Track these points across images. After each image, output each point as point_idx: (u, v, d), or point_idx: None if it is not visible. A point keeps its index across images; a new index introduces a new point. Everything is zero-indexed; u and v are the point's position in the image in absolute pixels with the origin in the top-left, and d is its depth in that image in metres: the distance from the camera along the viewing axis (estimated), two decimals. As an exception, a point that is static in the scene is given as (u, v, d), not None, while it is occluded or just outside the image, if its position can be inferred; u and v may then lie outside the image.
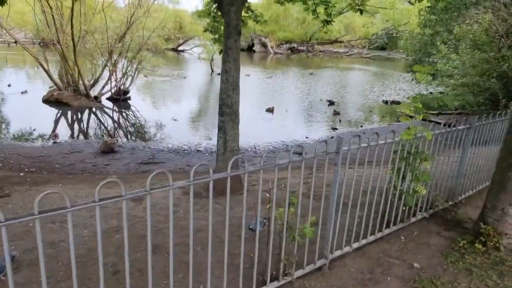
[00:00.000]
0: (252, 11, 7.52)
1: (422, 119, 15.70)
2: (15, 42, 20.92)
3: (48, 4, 15.03)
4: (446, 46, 13.39)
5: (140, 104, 17.61)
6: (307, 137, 13.09)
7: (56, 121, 14.26)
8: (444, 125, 4.65)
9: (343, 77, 32.70)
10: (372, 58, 51.27)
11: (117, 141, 11.54)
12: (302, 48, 56.60)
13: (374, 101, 21.00)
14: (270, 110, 16.85)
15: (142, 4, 17.81)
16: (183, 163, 9.83)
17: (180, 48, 49.52)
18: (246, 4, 6.57)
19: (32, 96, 17.16)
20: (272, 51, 52.93)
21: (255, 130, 13.62)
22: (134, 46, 17.39)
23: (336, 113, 17.09)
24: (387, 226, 4.37)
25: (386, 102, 20.22)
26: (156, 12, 19.90)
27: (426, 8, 15.81)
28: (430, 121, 16.29)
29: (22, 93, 17.57)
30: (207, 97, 21.21)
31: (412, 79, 21.21)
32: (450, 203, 5.24)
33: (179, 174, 8.42)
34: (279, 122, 15.27)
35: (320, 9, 6.93)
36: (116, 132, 13.34)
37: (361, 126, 15.09)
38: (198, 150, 11.10)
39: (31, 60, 21.48)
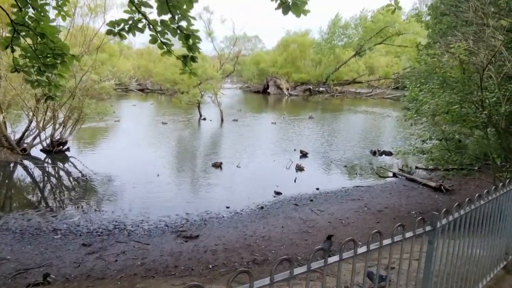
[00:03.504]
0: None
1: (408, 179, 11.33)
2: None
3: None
4: (417, 85, 10.05)
5: (81, 157, 15.37)
6: (228, 207, 9.89)
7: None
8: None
9: (347, 121, 29.21)
10: (394, 98, 47.28)
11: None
12: (321, 89, 53.93)
13: (361, 151, 17.41)
14: (217, 166, 13.89)
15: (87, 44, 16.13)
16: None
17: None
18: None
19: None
20: (287, 93, 50.65)
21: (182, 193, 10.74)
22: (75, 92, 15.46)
23: (300, 168, 13.81)
24: None
25: (374, 153, 16.58)
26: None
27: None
28: (416, 182, 12.67)
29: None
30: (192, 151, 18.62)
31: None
32: None
33: None
34: (216, 182, 12.23)
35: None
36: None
37: (317, 189, 11.64)
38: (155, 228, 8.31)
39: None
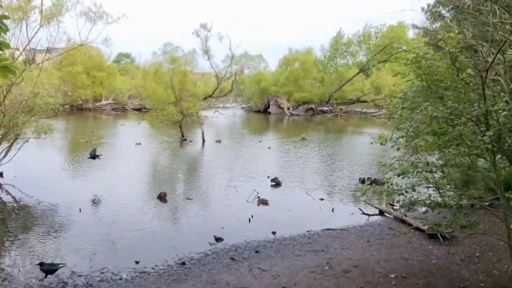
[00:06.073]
0: None
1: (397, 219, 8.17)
2: None
3: None
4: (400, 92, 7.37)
5: (17, 183, 12.98)
6: (137, 262, 7.21)
7: None
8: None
9: (345, 143, 26.38)
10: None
11: None
12: (325, 108, 51.34)
13: (350, 179, 14.59)
14: (161, 197, 11.29)
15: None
16: None
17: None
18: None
19: None
20: (287, 113, 48.19)
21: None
22: (10, 109, 13.24)
23: (263, 202, 11.12)
24: None
25: (363, 181, 13.74)
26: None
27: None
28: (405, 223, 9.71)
29: None
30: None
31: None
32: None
33: None
34: (147, 222, 9.59)
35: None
36: None
37: (274, 233, 8.89)
38: None
39: None
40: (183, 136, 24.68)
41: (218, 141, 23.83)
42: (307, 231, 9.03)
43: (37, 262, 6.82)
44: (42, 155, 18.26)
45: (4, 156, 13.84)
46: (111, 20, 15.73)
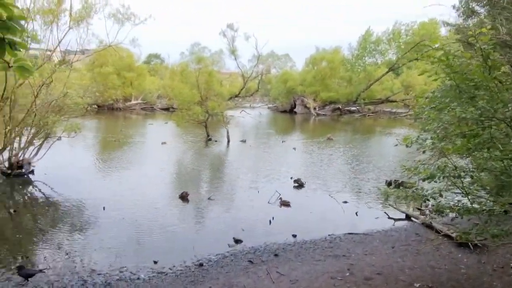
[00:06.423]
0: None
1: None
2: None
3: None
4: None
5: (47, 180, 13.41)
6: (155, 262, 7.22)
7: None
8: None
9: (372, 144, 25.66)
10: (434, 119, 42.71)
11: None
12: (352, 108, 50.37)
13: (376, 181, 14.14)
14: (183, 197, 11.34)
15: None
16: None
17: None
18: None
19: None
20: (314, 113, 47.60)
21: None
22: (40, 109, 13.73)
23: (284, 203, 10.95)
24: None
25: (389, 184, 13.30)
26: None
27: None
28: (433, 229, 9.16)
29: None
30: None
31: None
32: None
33: None
34: (167, 222, 9.63)
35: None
36: None
37: (294, 236, 8.70)
38: None
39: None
40: (208, 135, 24.80)
41: (243, 141, 23.81)
42: (329, 235, 8.78)
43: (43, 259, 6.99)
44: (72, 153, 18.83)
45: (35, 154, 14.37)
46: (138, 22, 15.98)
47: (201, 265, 7.11)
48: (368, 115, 46.90)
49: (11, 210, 10.35)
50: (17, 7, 3.20)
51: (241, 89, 46.93)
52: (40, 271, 6.50)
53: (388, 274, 6.69)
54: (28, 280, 6.17)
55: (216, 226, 9.34)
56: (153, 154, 19.58)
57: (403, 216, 10.26)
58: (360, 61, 45.23)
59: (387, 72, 44.22)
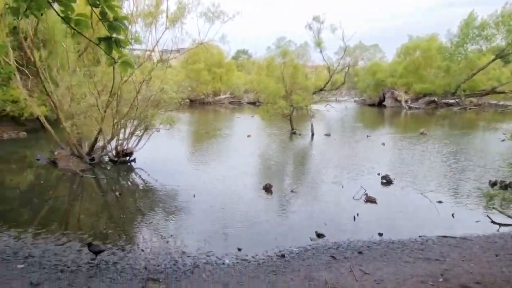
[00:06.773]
0: None
1: None
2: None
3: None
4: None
5: (146, 168, 14.87)
6: (239, 249, 7.50)
7: None
8: None
9: (474, 140, 22.99)
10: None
11: None
12: (450, 101, 45.99)
13: (477, 181, 12.71)
14: (267, 188, 11.56)
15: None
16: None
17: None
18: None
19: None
20: (405, 106, 44.56)
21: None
22: (141, 103, 15.20)
23: (370, 200, 10.49)
24: None
25: (493, 185, 11.86)
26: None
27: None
28: None
29: None
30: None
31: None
32: None
33: None
34: (252, 210, 9.93)
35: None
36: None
37: (380, 234, 8.26)
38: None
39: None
40: (292, 129, 24.88)
41: (327, 135, 23.40)
42: (420, 236, 8.17)
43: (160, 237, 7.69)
44: (168, 144, 20.50)
45: (137, 144, 15.95)
46: (227, 19, 16.62)
47: (283, 256, 7.19)
48: (470, 108, 42.38)
49: (117, 193, 11.67)
50: (121, 8, 3.55)
51: (327, 82, 45.95)
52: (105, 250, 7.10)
53: (490, 284, 5.99)
54: (96, 256, 6.84)
55: (298, 219, 9.35)
56: (239, 146, 20.34)
57: (511, 221, 9.08)
58: (461, 49, 40.97)
59: (494, 59, 39.35)
